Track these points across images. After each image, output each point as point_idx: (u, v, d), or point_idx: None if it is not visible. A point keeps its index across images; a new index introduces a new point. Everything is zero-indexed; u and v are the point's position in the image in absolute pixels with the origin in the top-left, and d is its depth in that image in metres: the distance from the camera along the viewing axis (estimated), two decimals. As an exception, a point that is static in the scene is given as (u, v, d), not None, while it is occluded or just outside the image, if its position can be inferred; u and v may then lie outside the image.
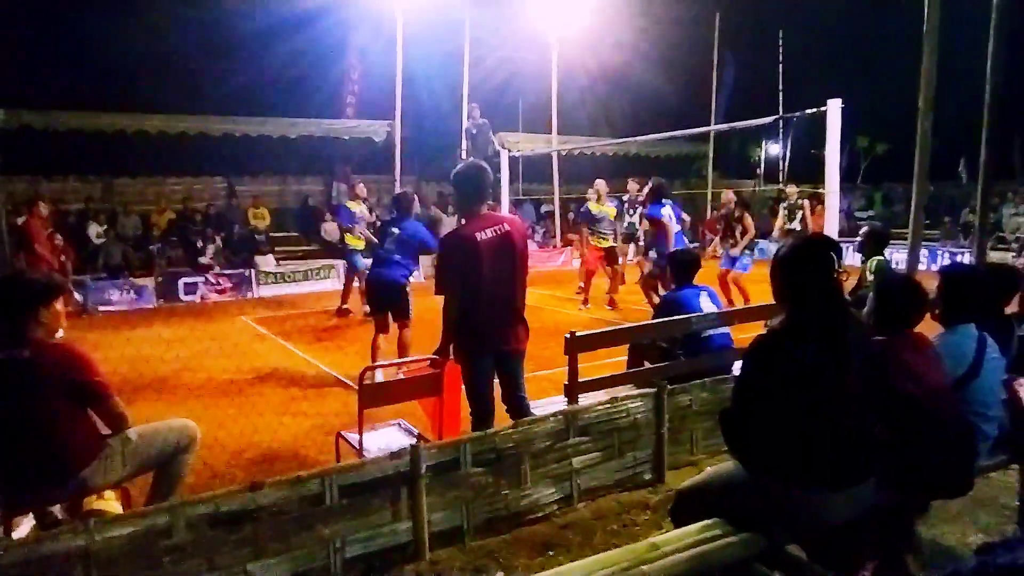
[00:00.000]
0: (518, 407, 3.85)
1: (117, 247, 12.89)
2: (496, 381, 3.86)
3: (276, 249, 14.59)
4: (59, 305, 3.08)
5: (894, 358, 2.68)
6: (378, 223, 8.69)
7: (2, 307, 2.96)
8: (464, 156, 14.55)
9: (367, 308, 8.81)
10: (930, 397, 2.66)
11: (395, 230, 6.16)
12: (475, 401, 3.79)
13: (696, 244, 12.21)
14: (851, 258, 9.03)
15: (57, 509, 3.26)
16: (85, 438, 3.05)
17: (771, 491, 2.30)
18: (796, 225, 10.44)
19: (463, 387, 3.89)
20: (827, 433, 2.24)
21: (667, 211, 8.22)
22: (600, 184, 10.09)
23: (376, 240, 6.70)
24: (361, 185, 10.24)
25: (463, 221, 3.87)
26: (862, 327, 2.54)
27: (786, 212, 10.62)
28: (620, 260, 10.52)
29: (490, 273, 3.64)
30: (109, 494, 3.34)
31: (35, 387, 2.89)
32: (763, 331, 2.46)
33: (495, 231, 3.68)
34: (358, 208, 9.62)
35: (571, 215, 15.82)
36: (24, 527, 3.22)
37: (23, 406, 2.87)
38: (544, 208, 19.06)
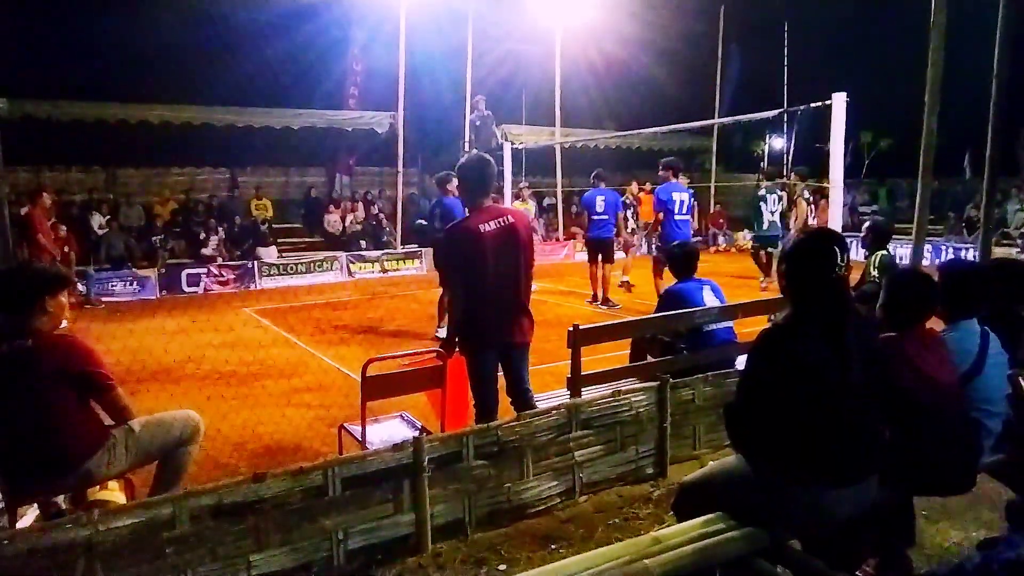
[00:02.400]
0: (523, 400, 3.86)
1: (120, 238, 12.89)
2: (500, 374, 3.87)
3: (278, 241, 14.60)
4: (64, 297, 3.09)
5: (902, 355, 2.67)
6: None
7: (8, 297, 2.97)
8: (467, 148, 14.53)
9: None
10: (937, 395, 2.65)
11: (437, 210, 7.21)
12: (479, 395, 3.80)
13: (699, 238, 12.17)
14: (855, 253, 9.03)
15: (61, 499, 3.27)
16: (88, 429, 3.06)
17: (774, 486, 2.30)
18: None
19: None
20: (830, 429, 2.24)
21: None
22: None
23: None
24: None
25: (466, 213, 3.87)
26: (865, 322, 2.53)
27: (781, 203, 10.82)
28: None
29: (493, 266, 3.64)
30: (113, 485, 3.35)
31: (38, 378, 2.90)
32: (767, 326, 2.46)
33: (498, 223, 3.68)
34: None
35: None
36: (28, 517, 3.24)
37: (26, 397, 2.88)
38: (547, 201, 19.02)
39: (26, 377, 2.88)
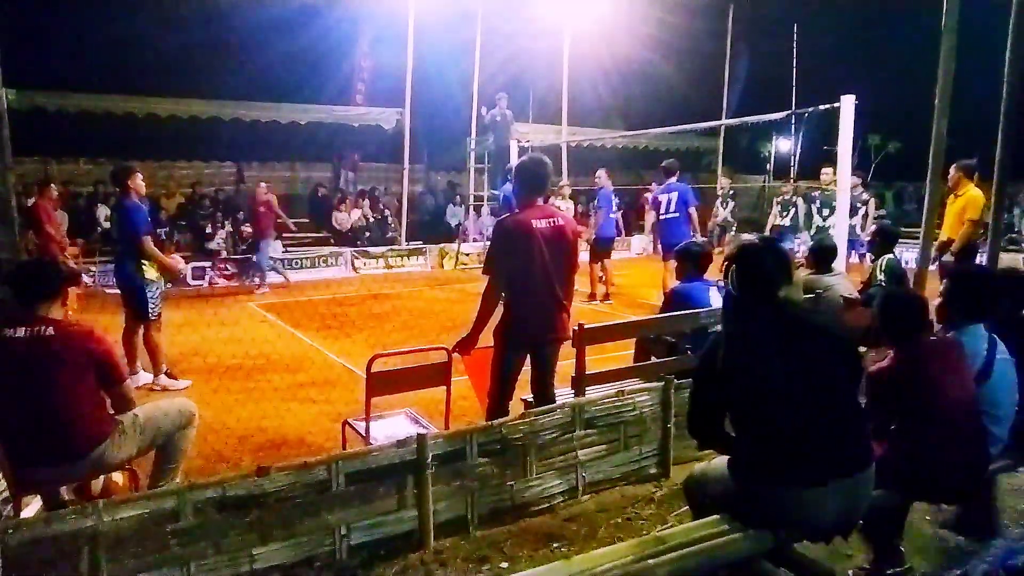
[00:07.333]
0: (546, 394, 3.94)
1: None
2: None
3: (283, 236, 14.60)
4: (71, 290, 3.18)
5: (912, 367, 2.67)
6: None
7: (29, 287, 3.04)
8: (474, 146, 14.51)
9: None
10: (950, 402, 2.64)
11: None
12: (502, 385, 3.86)
13: (706, 238, 12.13)
14: (858, 258, 8.99)
15: (64, 490, 3.30)
16: (100, 416, 3.12)
17: (745, 483, 2.34)
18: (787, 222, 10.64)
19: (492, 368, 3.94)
20: (778, 430, 2.25)
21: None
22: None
23: None
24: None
25: (518, 209, 3.95)
26: (834, 328, 2.50)
27: (779, 208, 10.89)
28: None
29: (541, 263, 3.72)
30: (117, 475, 3.38)
31: (59, 363, 2.95)
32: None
33: (549, 223, 3.78)
34: None
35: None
36: (32, 507, 3.25)
37: (44, 382, 2.92)
38: (552, 201, 18.94)
39: (46, 362, 2.93)
